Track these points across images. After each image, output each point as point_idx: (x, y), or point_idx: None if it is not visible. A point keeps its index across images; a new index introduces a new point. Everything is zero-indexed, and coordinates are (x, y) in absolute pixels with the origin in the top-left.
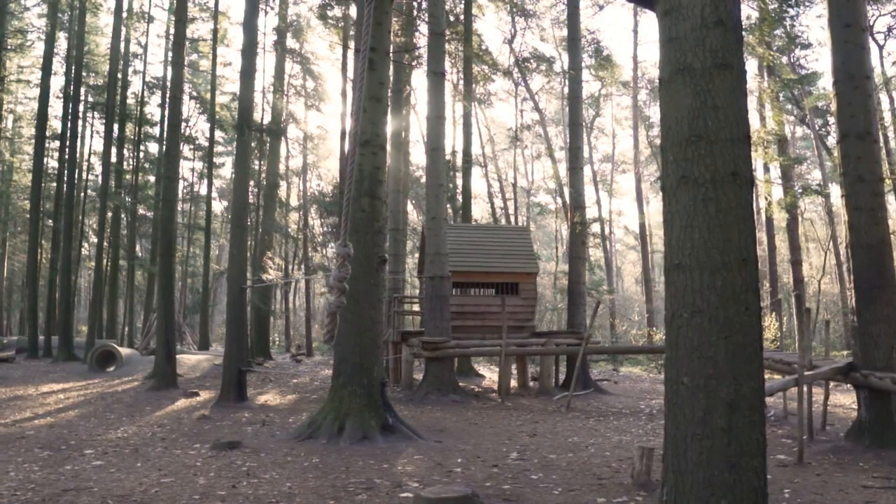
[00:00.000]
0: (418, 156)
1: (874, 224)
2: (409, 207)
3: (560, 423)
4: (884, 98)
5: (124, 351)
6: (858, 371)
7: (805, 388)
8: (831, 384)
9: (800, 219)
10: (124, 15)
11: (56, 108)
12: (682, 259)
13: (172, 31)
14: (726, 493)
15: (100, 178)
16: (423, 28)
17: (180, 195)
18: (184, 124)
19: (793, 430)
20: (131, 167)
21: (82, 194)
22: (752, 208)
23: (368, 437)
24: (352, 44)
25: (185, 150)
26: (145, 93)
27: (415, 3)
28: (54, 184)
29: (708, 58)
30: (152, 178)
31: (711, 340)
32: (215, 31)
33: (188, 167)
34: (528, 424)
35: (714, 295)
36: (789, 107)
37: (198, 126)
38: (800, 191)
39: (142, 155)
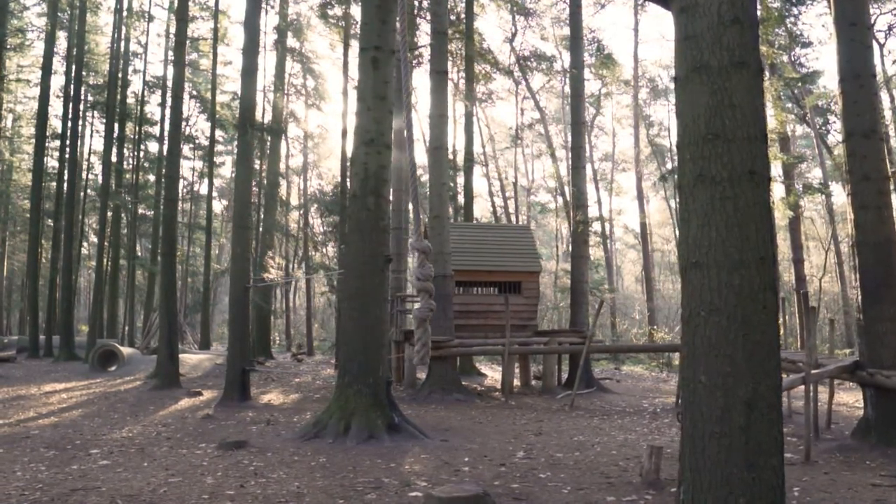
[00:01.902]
0: (419, 155)
1: (880, 222)
2: (410, 206)
3: (564, 421)
4: (885, 97)
5: (126, 350)
6: (864, 370)
7: (811, 387)
8: (834, 382)
9: (800, 217)
10: (124, 14)
11: (56, 107)
12: (700, 257)
13: (173, 30)
14: (744, 491)
15: (100, 177)
16: (424, 27)
17: (180, 194)
18: (184, 123)
19: (798, 428)
20: (131, 166)
21: (82, 194)
22: (769, 206)
23: (374, 436)
24: (353, 42)
25: (186, 149)
26: (145, 92)
27: (416, 2)
28: (54, 183)
29: (725, 56)
30: (152, 178)
31: (729, 339)
32: (216, 31)
33: (188, 166)
34: (532, 423)
35: (732, 293)
36: (789, 105)
37: (198, 125)
38: (801, 189)
39: (142, 154)
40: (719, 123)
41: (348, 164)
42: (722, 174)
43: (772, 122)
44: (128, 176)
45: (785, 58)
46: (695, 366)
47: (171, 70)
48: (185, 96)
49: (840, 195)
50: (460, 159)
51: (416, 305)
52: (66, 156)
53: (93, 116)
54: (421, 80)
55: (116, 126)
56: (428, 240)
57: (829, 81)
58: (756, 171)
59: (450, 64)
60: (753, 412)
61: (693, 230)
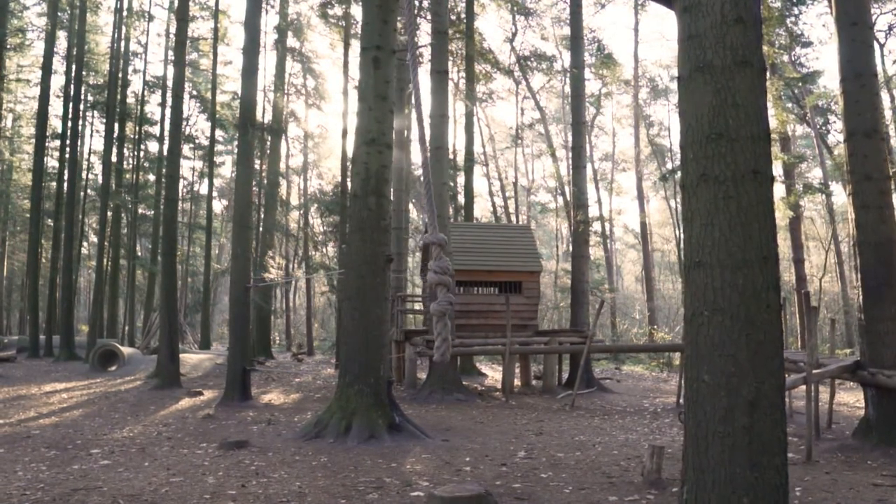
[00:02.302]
0: (420, 155)
1: (881, 222)
2: (410, 206)
3: (565, 421)
4: (885, 96)
5: (126, 350)
6: (866, 369)
7: (812, 387)
8: (835, 382)
9: (801, 217)
10: (124, 14)
11: (56, 107)
12: (703, 257)
13: (173, 29)
14: (748, 490)
15: (100, 177)
16: (425, 26)
17: (181, 194)
18: (184, 123)
19: (799, 428)
20: (131, 166)
21: (82, 194)
22: (772, 206)
23: (375, 436)
24: (353, 42)
25: (186, 149)
26: (145, 92)
27: (416, 2)
28: (54, 183)
29: (728, 55)
30: (152, 178)
31: (733, 338)
32: (216, 30)
33: (188, 166)
34: (533, 423)
35: (735, 293)
36: (790, 105)
37: (198, 125)
38: (801, 189)
39: (142, 154)
40: (723, 123)
41: (349, 163)
42: (725, 173)
43: (772, 122)
44: (128, 176)
45: (785, 57)
46: (698, 365)
47: (171, 70)
48: (186, 96)
49: (840, 195)
50: (461, 159)
51: (432, 300)
52: (66, 156)
53: (93, 116)
54: (421, 79)
55: (116, 126)
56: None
57: (830, 81)
58: (759, 170)
59: (450, 64)
60: (757, 412)
61: (696, 230)
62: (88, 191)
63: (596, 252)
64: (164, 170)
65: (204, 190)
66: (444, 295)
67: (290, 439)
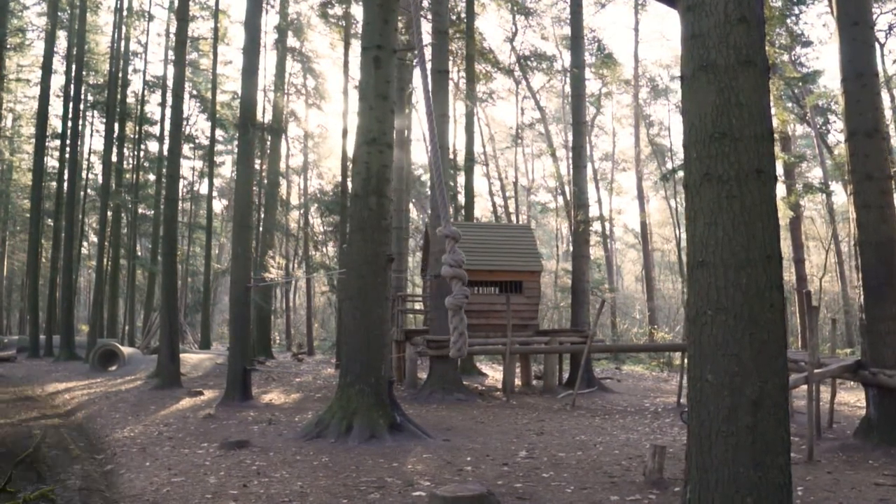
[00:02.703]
0: (420, 154)
1: (882, 222)
2: (411, 206)
3: (566, 421)
4: (885, 96)
5: (126, 350)
6: (867, 369)
7: (814, 386)
8: (836, 382)
9: (801, 217)
10: (124, 13)
11: (56, 107)
12: (706, 256)
13: (173, 29)
14: (751, 490)
15: (100, 177)
16: (425, 26)
17: (181, 194)
18: (184, 123)
19: (800, 427)
20: (131, 166)
21: (82, 193)
22: (775, 205)
23: (377, 435)
24: (353, 41)
25: (186, 148)
26: (145, 91)
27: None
28: (54, 183)
29: (731, 54)
30: (152, 177)
31: (736, 338)
32: (216, 30)
33: (188, 166)
34: (534, 423)
35: (739, 292)
36: (790, 105)
37: (198, 125)
38: (801, 189)
39: (142, 154)
40: (726, 122)
41: (349, 163)
42: (729, 173)
43: (773, 122)
44: (128, 175)
45: (785, 57)
46: (701, 365)
47: (171, 70)
48: (186, 96)
49: (840, 195)
50: (461, 159)
51: (452, 292)
52: (66, 155)
53: (93, 116)
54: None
55: (116, 126)
56: (428, 240)
57: (830, 81)
58: (763, 169)
59: (450, 63)
60: (760, 411)
61: (699, 229)
62: (88, 191)
63: (596, 252)
64: (164, 170)
65: (204, 190)
66: (459, 288)
67: (291, 439)
